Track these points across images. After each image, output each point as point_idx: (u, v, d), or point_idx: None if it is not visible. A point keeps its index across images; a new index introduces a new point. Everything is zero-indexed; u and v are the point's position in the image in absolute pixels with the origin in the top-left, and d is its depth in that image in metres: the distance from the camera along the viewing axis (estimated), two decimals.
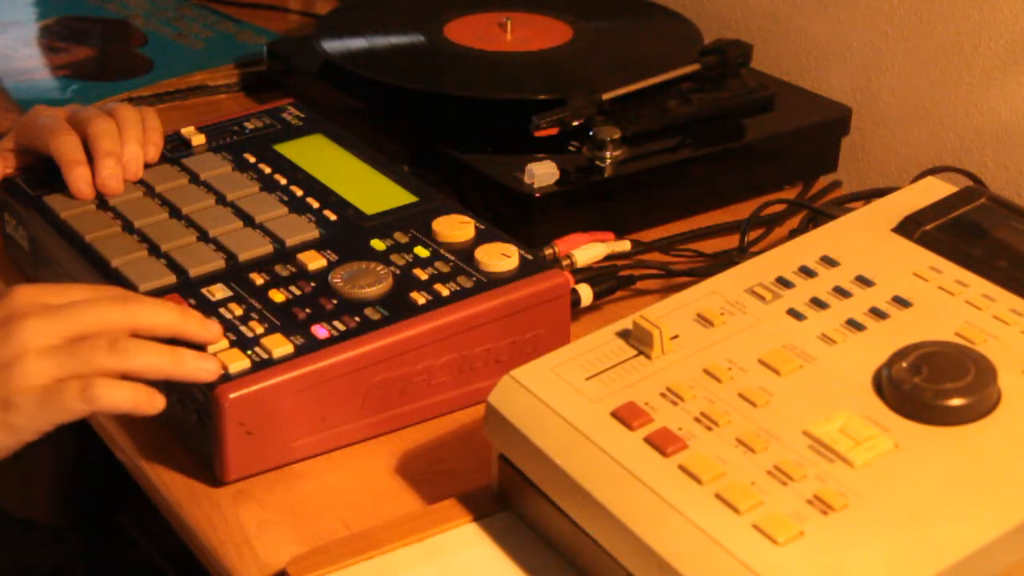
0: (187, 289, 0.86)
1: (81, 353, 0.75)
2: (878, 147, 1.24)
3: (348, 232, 0.93)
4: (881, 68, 1.22)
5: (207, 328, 0.80)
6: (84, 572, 1.27)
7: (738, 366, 0.74)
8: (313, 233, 0.93)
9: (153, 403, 0.77)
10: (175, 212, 0.96)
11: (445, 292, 0.86)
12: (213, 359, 0.79)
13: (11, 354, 0.75)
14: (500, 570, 0.74)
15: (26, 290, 0.78)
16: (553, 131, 1.05)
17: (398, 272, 0.88)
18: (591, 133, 1.07)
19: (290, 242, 0.92)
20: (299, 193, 0.98)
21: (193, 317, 0.80)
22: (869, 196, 1.06)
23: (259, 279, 0.88)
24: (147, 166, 0.99)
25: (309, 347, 0.81)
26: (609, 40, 1.25)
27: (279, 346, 0.81)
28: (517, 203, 1.03)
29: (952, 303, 0.77)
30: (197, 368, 0.78)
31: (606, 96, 1.08)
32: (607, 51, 1.23)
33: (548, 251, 0.99)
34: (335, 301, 0.85)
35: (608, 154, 1.06)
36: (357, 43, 1.24)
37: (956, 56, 1.15)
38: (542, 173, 1.03)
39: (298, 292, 0.86)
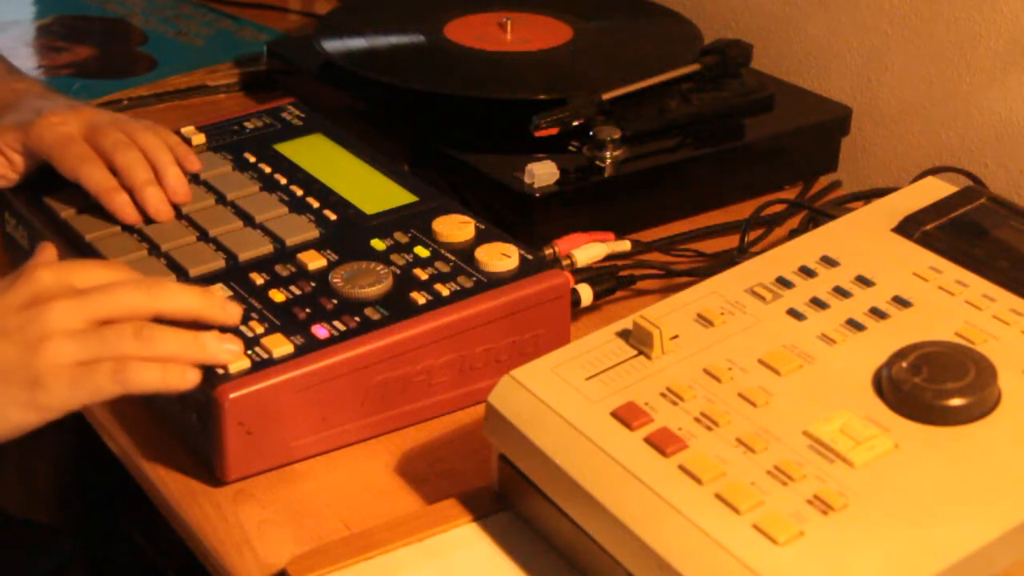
0: None
1: (107, 339, 0.76)
2: (878, 147, 1.24)
3: (348, 232, 0.93)
4: (881, 68, 1.22)
5: (227, 312, 0.81)
6: (84, 572, 1.27)
7: (738, 366, 0.74)
8: (313, 233, 0.93)
9: (185, 379, 0.77)
10: (175, 212, 0.96)
11: (445, 292, 0.86)
12: (235, 339, 0.80)
13: (38, 335, 0.75)
14: (500, 570, 0.74)
15: (49, 270, 0.78)
16: (553, 131, 1.05)
17: (398, 272, 0.88)
18: (591, 133, 1.07)
19: (290, 242, 0.92)
20: (299, 193, 0.98)
21: (214, 301, 0.81)
22: (869, 196, 1.06)
23: (259, 279, 0.88)
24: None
25: (309, 347, 0.81)
26: (609, 40, 1.25)
27: (279, 346, 0.81)
28: (517, 203, 1.03)
29: (952, 303, 0.77)
30: (220, 351, 0.79)
31: (606, 96, 1.08)
32: (607, 51, 1.23)
33: (548, 251, 0.99)
34: (335, 301, 0.85)
35: (608, 154, 1.06)
36: (357, 43, 1.24)
37: (956, 56, 1.15)
38: (542, 173, 1.03)
39: (298, 292, 0.86)
